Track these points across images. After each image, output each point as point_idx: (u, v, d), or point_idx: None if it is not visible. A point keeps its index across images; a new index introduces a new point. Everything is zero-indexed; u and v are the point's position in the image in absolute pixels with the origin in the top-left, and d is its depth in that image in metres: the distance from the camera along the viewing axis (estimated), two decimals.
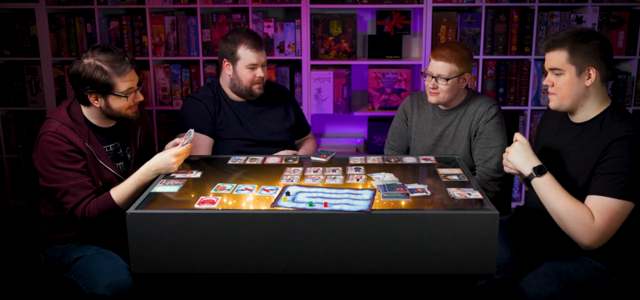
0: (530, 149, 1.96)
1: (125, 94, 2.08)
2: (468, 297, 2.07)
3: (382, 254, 1.75)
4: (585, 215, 1.81)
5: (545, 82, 2.00)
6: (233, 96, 2.62)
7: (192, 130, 2.20)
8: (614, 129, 1.88)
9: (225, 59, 2.55)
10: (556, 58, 1.93)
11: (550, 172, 1.89)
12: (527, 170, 1.92)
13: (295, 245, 1.76)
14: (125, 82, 2.07)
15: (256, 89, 2.56)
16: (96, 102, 2.09)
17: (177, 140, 2.26)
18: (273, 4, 3.43)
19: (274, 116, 2.68)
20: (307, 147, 2.83)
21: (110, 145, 2.19)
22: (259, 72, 2.52)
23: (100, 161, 2.11)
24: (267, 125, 2.64)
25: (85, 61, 2.04)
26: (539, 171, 1.89)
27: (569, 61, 1.91)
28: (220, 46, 2.57)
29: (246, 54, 2.49)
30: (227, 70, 2.56)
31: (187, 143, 2.15)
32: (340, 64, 3.55)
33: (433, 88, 2.40)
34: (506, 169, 2.06)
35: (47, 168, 2.04)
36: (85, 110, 2.15)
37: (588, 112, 1.97)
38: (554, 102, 2.00)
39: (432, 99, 2.44)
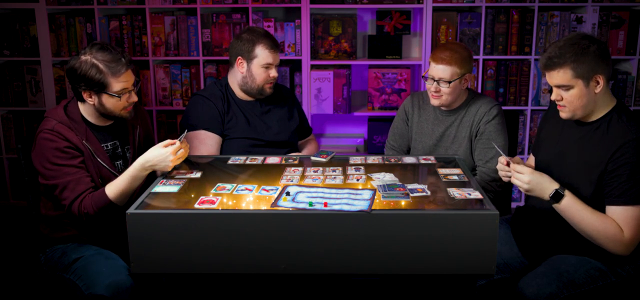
0: (542, 174, 1.92)
1: (118, 94, 2.08)
2: (468, 297, 2.07)
3: (382, 254, 1.75)
4: (615, 231, 1.83)
5: (553, 97, 1.96)
6: (241, 95, 2.63)
7: (186, 131, 2.20)
8: (622, 130, 1.88)
9: (239, 57, 2.55)
10: (560, 76, 1.90)
11: (555, 171, 1.88)
12: (547, 197, 1.89)
13: (295, 245, 1.76)
14: (119, 83, 2.08)
15: (268, 88, 2.58)
16: (90, 99, 2.10)
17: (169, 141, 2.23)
18: (273, 4, 3.43)
19: (280, 116, 2.69)
20: (309, 148, 2.83)
21: (109, 144, 2.19)
22: (273, 72, 2.56)
23: (98, 159, 2.12)
24: (273, 126, 2.65)
25: (83, 58, 2.05)
26: (558, 196, 1.87)
27: (574, 76, 1.88)
28: (233, 44, 2.58)
29: (263, 54, 2.52)
30: (239, 68, 2.57)
31: (180, 140, 2.14)
32: (340, 64, 3.55)
33: (435, 91, 2.40)
34: (504, 178, 2.04)
35: (45, 165, 2.05)
36: (82, 108, 2.16)
37: (596, 113, 1.96)
38: (566, 114, 1.96)
39: (434, 102, 2.43)
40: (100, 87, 2.06)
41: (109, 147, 2.19)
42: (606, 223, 1.84)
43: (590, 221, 1.85)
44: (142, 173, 2.06)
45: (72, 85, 2.11)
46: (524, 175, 1.91)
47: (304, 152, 2.78)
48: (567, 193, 1.87)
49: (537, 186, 1.90)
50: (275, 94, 2.71)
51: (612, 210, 1.86)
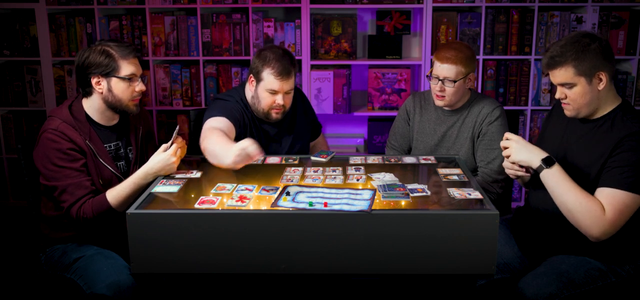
0: (529, 142, 1.95)
1: (128, 77, 2.09)
2: (468, 297, 2.07)
3: (382, 254, 1.75)
4: (596, 208, 1.80)
5: (557, 95, 1.96)
6: (255, 112, 2.48)
7: (177, 128, 2.18)
8: (627, 125, 1.88)
9: (251, 75, 2.42)
10: (563, 75, 1.90)
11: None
12: (536, 163, 1.90)
13: (295, 245, 1.76)
14: (129, 65, 2.10)
15: (273, 113, 2.41)
16: (99, 86, 2.10)
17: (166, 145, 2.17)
18: (273, 4, 3.43)
19: (295, 133, 2.57)
20: (320, 148, 2.79)
21: (112, 144, 2.19)
22: (279, 100, 2.37)
23: (101, 159, 2.12)
24: (285, 144, 2.54)
25: (93, 47, 2.11)
26: (548, 162, 1.88)
27: (576, 74, 1.88)
28: (253, 59, 2.43)
29: (269, 79, 2.34)
30: (251, 86, 2.44)
31: (173, 137, 2.13)
32: (340, 64, 3.55)
33: (440, 91, 2.39)
34: (509, 172, 2.04)
35: (47, 166, 2.05)
36: (87, 106, 2.15)
37: (601, 110, 1.96)
38: (571, 112, 1.97)
39: (439, 102, 2.43)
40: (110, 70, 2.08)
41: (112, 148, 2.19)
42: (590, 199, 1.82)
43: (574, 194, 1.83)
44: (145, 181, 2.07)
45: (79, 77, 2.12)
46: (512, 138, 1.95)
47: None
48: (556, 163, 1.87)
49: (524, 148, 1.92)
50: (291, 109, 2.53)
51: (600, 191, 1.85)
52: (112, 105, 2.14)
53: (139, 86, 2.15)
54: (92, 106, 2.16)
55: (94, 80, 2.10)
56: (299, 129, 2.60)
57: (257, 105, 2.42)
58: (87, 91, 2.13)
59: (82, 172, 2.06)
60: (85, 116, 2.14)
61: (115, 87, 2.10)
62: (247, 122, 2.44)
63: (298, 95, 2.66)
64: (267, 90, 2.37)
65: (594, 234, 1.82)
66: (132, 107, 2.16)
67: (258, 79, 2.38)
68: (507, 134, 1.99)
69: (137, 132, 2.30)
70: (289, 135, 2.56)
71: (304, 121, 2.65)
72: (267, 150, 2.49)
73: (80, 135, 2.08)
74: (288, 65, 2.35)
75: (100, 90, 2.11)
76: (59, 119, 2.08)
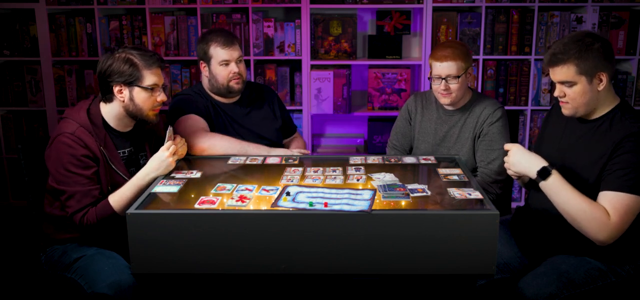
0: (529, 151, 1.96)
1: (150, 87, 2.09)
2: (468, 297, 2.07)
3: (382, 254, 1.75)
4: (601, 213, 1.80)
5: (556, 93, 1.96)
6: (218, 98, 2.62)
7: (170, 127, 2.18)
8: (626, 125, 1.88)
9: (201, 61, 2.58)
10: (564, 73, 1.90)
11: (557, 170, 1.89)
12: (533, 174, 1.90)
13: (295, 245, 1.76)
14: (152, 75, 2.09)
15: (234, 84, 2.55)
16: (121, 95, 2.09)
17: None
18: (273, 4, 3.43)
19: (262, 117, 2.68)
20: (296, 145, 2.81)
21: (126, 150, 2.19)
22: (233, 68, 2.52)
23: (113, 166, 2.11)
24: (254, 128, 2.63)
25: (117, 55, 2.09)
26: (544, 174, 1.88)
27: (578, 73, 1.88)
28: (196, 49, 2.61)
29: (217, 52, 2.51)
30: (204, 71, 2.59)
31: (168, 135, 2.13)
32: (340, 64, 3.55)
33: (444, 89, 2.39)
34: (510, 173, 2.04)
35: (58, 169, 2.03)
36: (105, 111, 2.14)
37: (599, 110, 1.96)
38: (568, 110, 1.96)
39: (445, 100, 2.42)
40: (133, 79, 2.07)
41: (125, 154, 2.19)
42: (593, 205, 1.82)
43: (576, 201, 1.83)
44: (144, 182, 2.06)
45: (101, 83, 2.10)
46: (512, 149, 1.96)
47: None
48: (554, 172, 1.87)
49: (523, 158, 1.93)
50: (255, 94, 2.70)
51: (603, 195, 1.84)
52: (133, 113, 2.13)
53: (161, 96, 2.14)
54: (110, 112, 2.15)
55: (116, 88, 2.08)
56: (265, 113, 2.71)
57: (216, 83, 2.56)
58: (108, 97, 2.12)
59: (92, 180, 2.05)
60: (102, 121, 2.14)
61: (137, 96, 2.09)
62: (211, 110, 2.58)
63: (269, 92, 2.79)
64: (219, 64, 2.52)
65: (600, 239, 1.82)
66: (152, 117, 2.16)
67: (208, 59, 2.55)
68: (507, 145, 2.00)
69: (151, 139, 2.29)
70: (254, 116, 2.67)
71: (273, 109, 2.75)
72: (235, 132, 2.59)
73: (95, 141, 2.07)
74: (229, 35, 2.55)
75: (121, 99, 2.10)
76: (77, 122, 2.06)
